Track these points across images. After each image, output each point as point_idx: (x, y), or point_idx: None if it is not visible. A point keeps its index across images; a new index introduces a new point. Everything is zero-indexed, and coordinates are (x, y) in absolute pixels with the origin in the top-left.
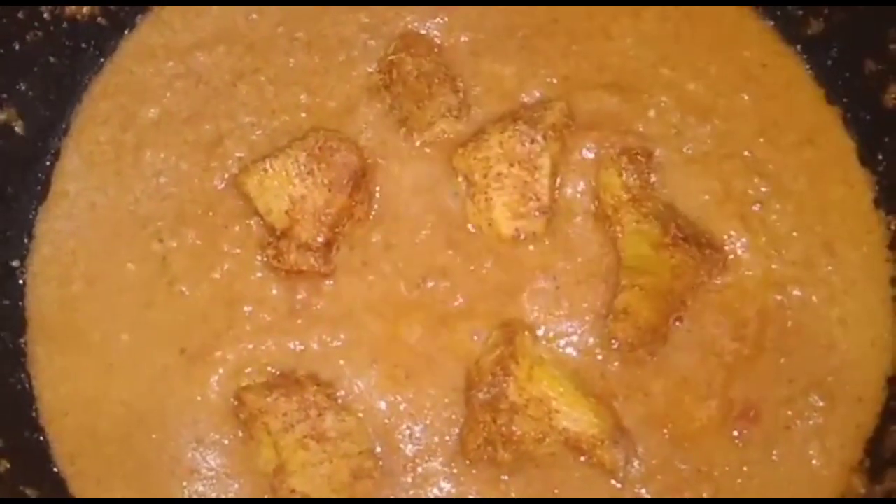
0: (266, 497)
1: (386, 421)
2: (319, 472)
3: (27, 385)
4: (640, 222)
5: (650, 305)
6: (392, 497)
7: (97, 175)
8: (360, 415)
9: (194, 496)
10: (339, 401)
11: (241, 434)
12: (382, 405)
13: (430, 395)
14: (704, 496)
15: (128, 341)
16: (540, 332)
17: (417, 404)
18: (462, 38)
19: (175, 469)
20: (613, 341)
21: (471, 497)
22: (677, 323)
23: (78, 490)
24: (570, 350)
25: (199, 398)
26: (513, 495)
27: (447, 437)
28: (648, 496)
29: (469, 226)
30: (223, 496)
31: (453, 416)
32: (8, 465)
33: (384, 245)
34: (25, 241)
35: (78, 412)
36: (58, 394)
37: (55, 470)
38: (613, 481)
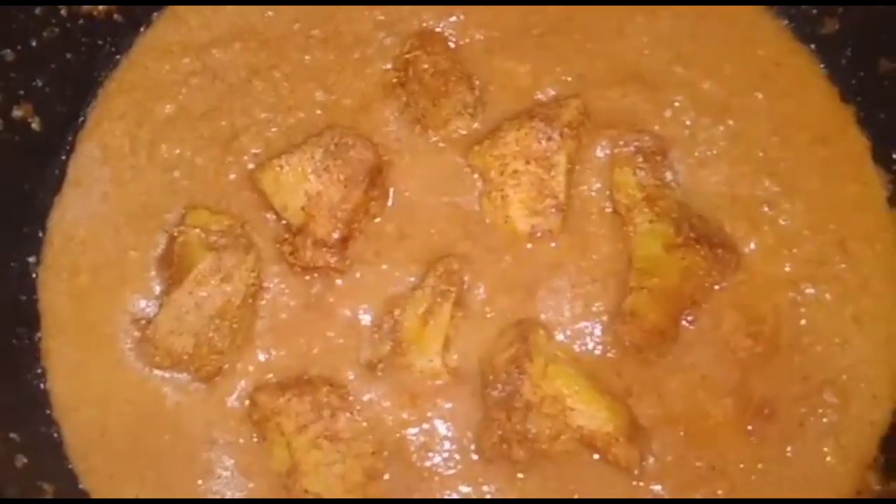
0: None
1: (403, 418)
2: (333, 472)
3: (43, 381)
4: (654, 222)
5: (658, 308)
6: (407, 497)
7: (111, 168)
8: (373, 413)
9: (209, 495)
10: (352, 398)
11: (254, 436)
12: (396, 403)
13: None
14: (719, 493)
15: (138, 336)
16: (555, 330)
17: (432, 402)
18: (477, 37)
19: (189, 467)
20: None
21: (487, 497)
22: (689, 320)
23: (91, 485)
24: (585, 348)
25: (211, 399)
26: (528, 493)
27: (463, 435)
28: (664, 493)
29: (486, 220)
30: (239, 496)
31: (468, 414)
32: (25, 460)
33: (398, 235)
34: (41, 236)
35: (89, 407)
36: (69, 388)
37: (70, 466)
38: (628, 478)
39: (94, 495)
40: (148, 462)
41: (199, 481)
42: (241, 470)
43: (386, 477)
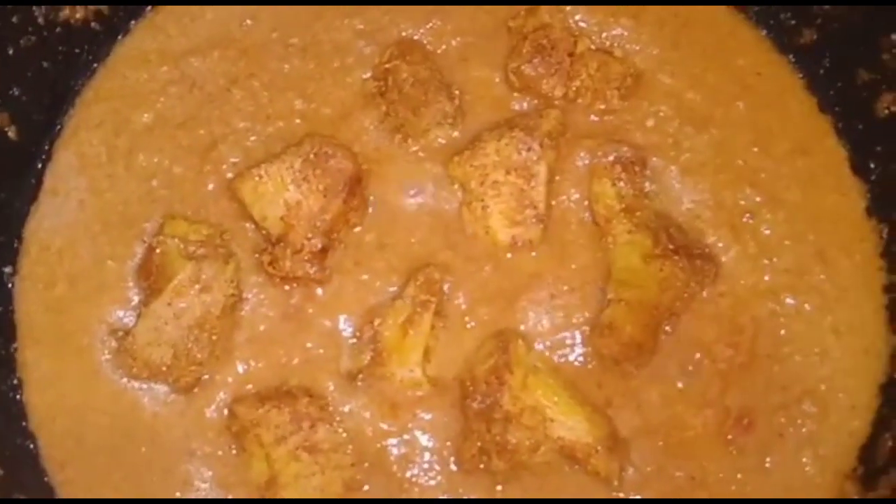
0: None
1: (383, 429)
2: (312, 483)
3: (19, 392)
4: (633, 232)
5: (635, 320)
6: None
7: (88, 177)
8: (353, 424)
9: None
10: (331, 409)
11: (233, 448)
12: (376, 414)
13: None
14: None
15: (115, 347)
16: (535, 341)
17: (412, 413)
18: (453, 43)
19: (167, 479)
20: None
21: None
22: (668, 331)
23: (69, 495)
24: (564, 358)
25: (189, 410)
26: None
27: (443, 446)
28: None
29: (467, 230)
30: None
31: (449, 424)
32: (1, 472)
33: (378, 245)
34: (16, 246)
35: (65, 418)
36: (45, 398)
37: (46, 479)
38: (608, 489)
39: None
40: (125, 474)
41: (177, 493)
42: (219, 482)
43: (366, 488)
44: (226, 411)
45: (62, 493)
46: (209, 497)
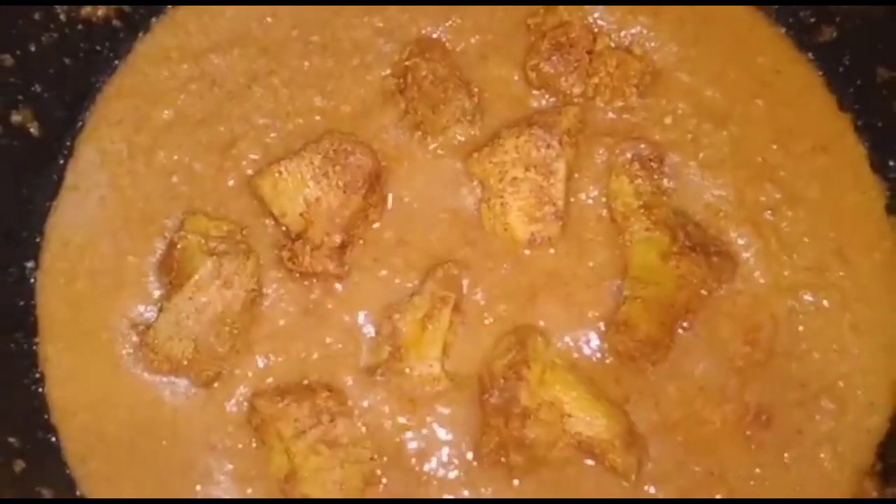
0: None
1: (401, 423)
2: (331, 477)
3: (41, 386)
4: (650, 230)
5: (651, 318)
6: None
7: (109, 173)
8: (371, 419)
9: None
10: (350, 404)
11: (253, 442)
12: (395, 408)
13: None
14: (717, 499)
15: (136, 342)
16: (553, 337)
17: (431, 407)
18: (472, 41)
19: (187, 473)
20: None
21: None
22: (686, 327)
23: (88, 491)
24: (582, 354)
25: (209, 404)
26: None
27: (461, 441)
28: (662, 497)
29: (485, 227)
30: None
31: (467, 419)
32: (23, 465)
33: (397, 241)
34: (38, 241)
35: (87, 413)
36: (66, 393)
37: (68, 471)
38: (626, 485)
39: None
40: (146, 467)
41: (198, 486)
42: (239, 475)
43: (384, 482)
44: (246, 405)
45: (84, 487)
46: (230, 491)
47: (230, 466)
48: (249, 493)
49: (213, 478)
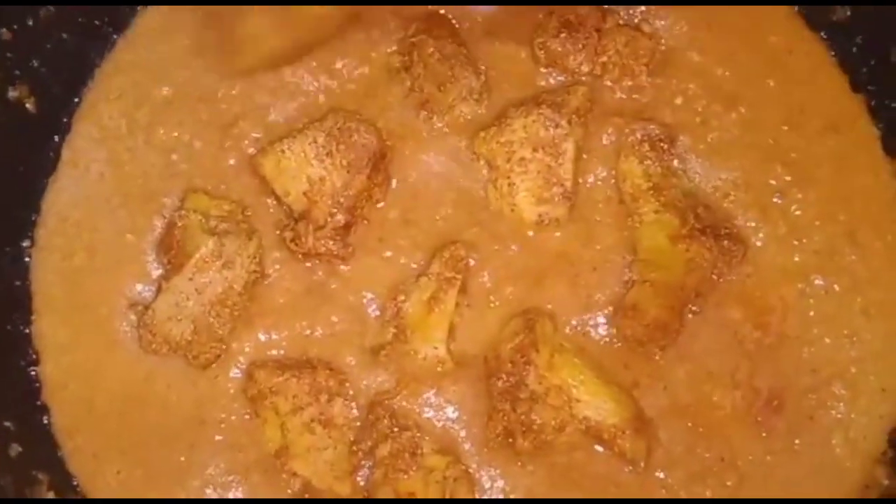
0: (267, 489)
1: (402, 405)
2: (323, 457)
3: (36, 367)
4: (660, 212)
5: (659, 302)
6: None
7: (107, 149)
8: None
9: (193, 467)
10: (348, 386)
11: (245, 414)
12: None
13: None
14: (728, 485)
15: (135, 321)
16: (561, 320)
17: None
18: (478, 19)
19: (173, 444)
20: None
21: (489, 488)
22: (695, 311)
23: (75, 467)
24: (590, 338)
25: (202, 379)
26: (532, 484)
27: (467, 424)
28: (671, 483)
29: (492, 208)
30: (225, 468)
31: (471, 401)
32: (20, 449)
33: (402, 221)
34: (34, 218)
35: (78, 384)
36: (59, 365)
37: (60, 453)
38: (635, 471)
39: (79, 477)
40: (132, 439)
41: (182, 458)
42: (227, 445)
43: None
44: (241, 376)
45: (71, 464)
46: (217, 460)
47: (219, 438)
48: (239, 458)
49: (201, 447)
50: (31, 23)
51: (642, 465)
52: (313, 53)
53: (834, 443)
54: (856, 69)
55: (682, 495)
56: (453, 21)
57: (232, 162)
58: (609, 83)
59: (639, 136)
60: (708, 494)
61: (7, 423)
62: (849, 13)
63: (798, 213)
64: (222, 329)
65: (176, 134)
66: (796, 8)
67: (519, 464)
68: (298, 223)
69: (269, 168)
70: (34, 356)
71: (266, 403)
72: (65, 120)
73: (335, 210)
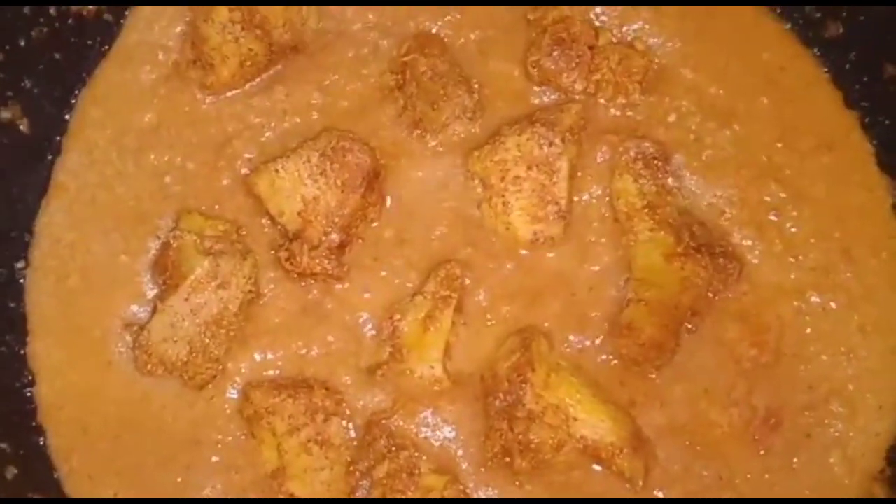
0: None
1: (399, 425)
2: (319, 478)
3: (32, 388)
4: (655, 230)
5: (655, 321)
6: None
7: (98, 173)
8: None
9: (190, 488)
10: (345, 406)
11: (241, 435)
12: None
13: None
14: None
15: (130, 342)
16: (557, 339)
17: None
18: (472, 37)
19: (169, 465)
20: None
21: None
22: (691, 329)
23: (72, 488)
24: (587, 357)
25: (199, 400)
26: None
27: (464, 444)
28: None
29: (486, 226)
30: (221, 489)
31: (467, 421)
32: (15, 471)
33: (397, 241)
34: (27, 240)
35: (73, 406)
36: (54, 387)
37: (56, 475)
38: (632, 490)
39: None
40: (128, 460)
41: (179, 479)
42: (223, 466)
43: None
44: (237, 396)
45: (67, 486)
46: (213, 481)
47: (215, 459)
48: (236, 479)
49: (197, 470)
50: (22, 43)
51: (640, 483)
52: (305, 73)
53: (832, 461)
54: (849, 86)
55: None
56: (446, 39)
57: (226, 182)
58: (603, 101)
59: (633, 153)
60: None
61: (3, 445)
62: (842, 30)
63: (793, 230)
64: (218, 350)
65: (167, 157)
66: (789, 25)
67: (517, 483)
68: (293, 243)
69: (263, 188)
70: (30, 377)
71: (262, 424)
72: (58, 139)
73: (330, 229)
